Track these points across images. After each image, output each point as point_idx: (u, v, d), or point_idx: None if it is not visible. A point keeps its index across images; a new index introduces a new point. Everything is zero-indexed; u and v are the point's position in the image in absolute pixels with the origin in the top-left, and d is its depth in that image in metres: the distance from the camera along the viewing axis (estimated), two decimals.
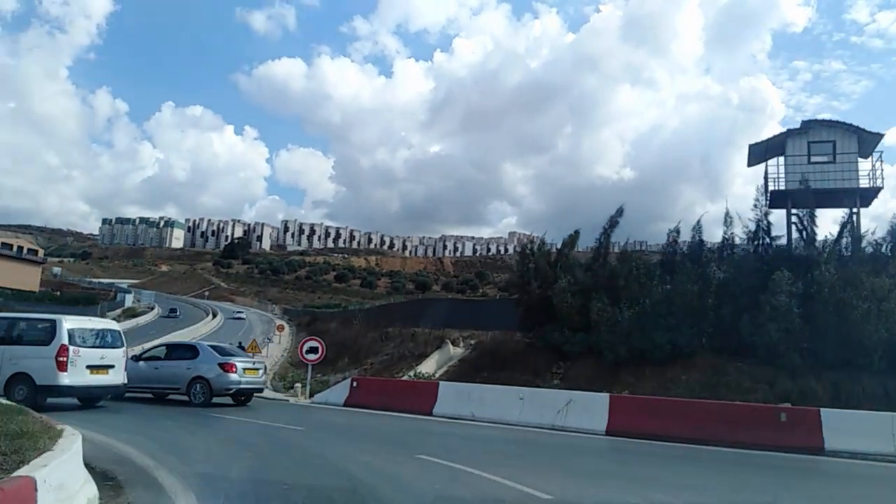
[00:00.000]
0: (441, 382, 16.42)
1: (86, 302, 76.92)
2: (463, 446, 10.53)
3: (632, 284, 20.14)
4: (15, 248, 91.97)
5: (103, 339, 12.99)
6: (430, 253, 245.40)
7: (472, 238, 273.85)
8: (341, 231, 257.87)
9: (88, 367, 12.31)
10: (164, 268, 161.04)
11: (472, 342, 25.34)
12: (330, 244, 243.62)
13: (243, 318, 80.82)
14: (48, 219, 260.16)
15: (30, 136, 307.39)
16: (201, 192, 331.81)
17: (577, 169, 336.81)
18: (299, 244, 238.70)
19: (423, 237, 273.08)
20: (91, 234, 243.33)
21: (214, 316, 75.89)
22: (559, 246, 23.71)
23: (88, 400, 13.23)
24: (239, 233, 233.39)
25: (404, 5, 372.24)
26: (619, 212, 22.07)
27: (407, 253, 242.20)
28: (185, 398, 15.38)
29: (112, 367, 12.81)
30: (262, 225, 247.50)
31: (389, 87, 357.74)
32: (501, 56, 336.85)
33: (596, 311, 19.53)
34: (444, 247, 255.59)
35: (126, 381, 13.48)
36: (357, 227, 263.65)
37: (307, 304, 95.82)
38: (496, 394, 15.17)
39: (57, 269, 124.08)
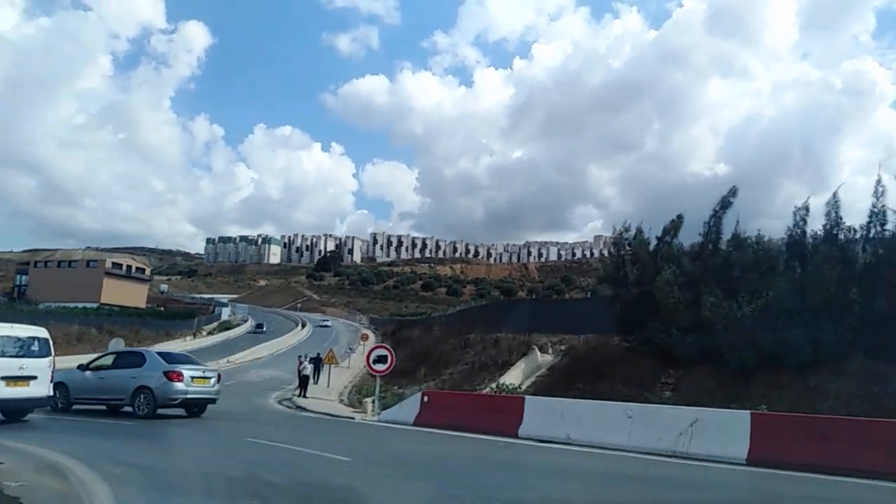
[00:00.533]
0: (527, 398, 13.37)
1: (185, 316, 79.09)
2: (568, 489, 7.55)
3: (750, 274, 16.45)
4: (124, 268, 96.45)
5: (26, 349, 11.51)
6: (514, 260, 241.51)
7: (557, 243, 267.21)
8: (427, 241, 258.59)
9: (4, 378, 10.96)
10: (262, 282, 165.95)
11: (563, 348, 22.11)
12: (417, 254, 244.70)
13: (329, 326, 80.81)
14: (160, 240, 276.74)
15: (139, 165, 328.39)
16: (294, 208, 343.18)
17: (667, 167, 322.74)
18: (388, 255, 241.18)
19: (508, 244, 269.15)
20: (197, 254, 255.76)
21: (303, 326, 76.07)
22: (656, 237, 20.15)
23: (9, 413, 11.79)
24: (331, 247, 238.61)
25: (483, 17, 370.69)
26: (733, 192, 18.23)
27: (492, 260, 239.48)
28: (131, 409, 14.03)
29: (34, 378, 11.35)
30: (353, 238, 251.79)
31: (470, 96, 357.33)
32: (582, 58, 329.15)
33: (709, 306, 15.90)
34: (529, 253, 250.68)
35: (52, 394, 12.00)
36: (442, 236, 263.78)
37: (394, 314, 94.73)
38: (597, 411, 12.05)
39: (164, 287, 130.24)
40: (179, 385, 13.74)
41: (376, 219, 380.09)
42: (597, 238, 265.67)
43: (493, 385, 19.02)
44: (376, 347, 18.21)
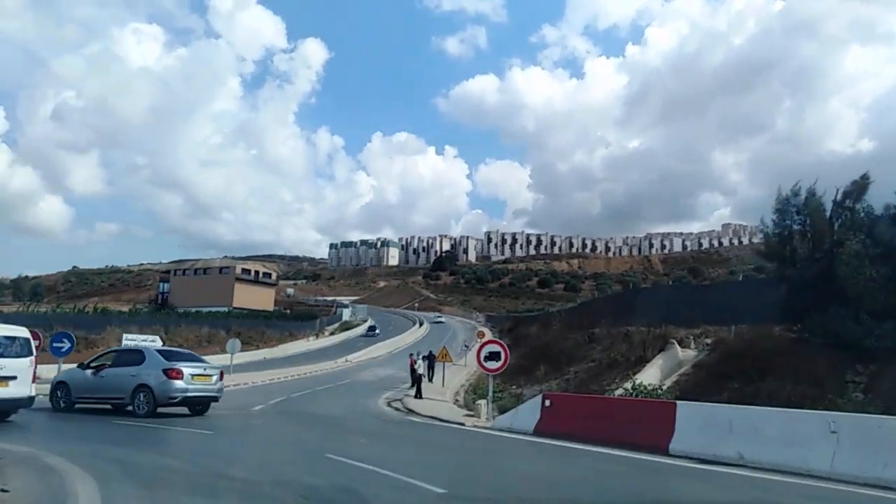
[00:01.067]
0: (680, 403, 10.26)
1: (309, 318, 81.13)
2: None
3: None
4: (253, 273, 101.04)
5: (5, 349, 11.01)
6: (634, 253, 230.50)
7: (681, 234, 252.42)
8: (542, 238, 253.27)
9: None
10: (381, 284, 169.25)
11: (708, 341, 18.58)
12: (532, 251, 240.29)
13: (443, 322, 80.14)
14: (288, 248, 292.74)
15: (269, 178, 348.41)
16: (412, 211, 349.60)
17: (801, 147, 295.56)
18: (502, 254, 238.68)
19: (627, 237, 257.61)
20: (322, 259, 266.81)
21: (421, 325, 75.41)
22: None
23: None
24: (446, 247, 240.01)
25: (592, 5, 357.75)
26: None
27: (610, 254, 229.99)
28: (131, 409, 13.51)
29: (13, 378, 10.93)
30: (467, 238, 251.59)
31: (582, 88, 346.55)
32: (700, 38, 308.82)
33: None
34: (651, 245, 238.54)
35: (34, 394, 11.35)
36: (558, 232, 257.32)
37: (510, 311, 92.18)
38: (782, 422, 8.80)
39: (290, 290, 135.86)
40: (179, 383, 13.18)
41: (490, 218, 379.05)
42: (725, 226, 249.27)
43: (627, 386, 15.99)
44: (487, 343, 15.81)
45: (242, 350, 53.83)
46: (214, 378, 14.36)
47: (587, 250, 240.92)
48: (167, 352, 15.23)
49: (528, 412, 12.51)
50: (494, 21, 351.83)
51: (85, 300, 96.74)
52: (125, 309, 66.33)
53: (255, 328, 60.50)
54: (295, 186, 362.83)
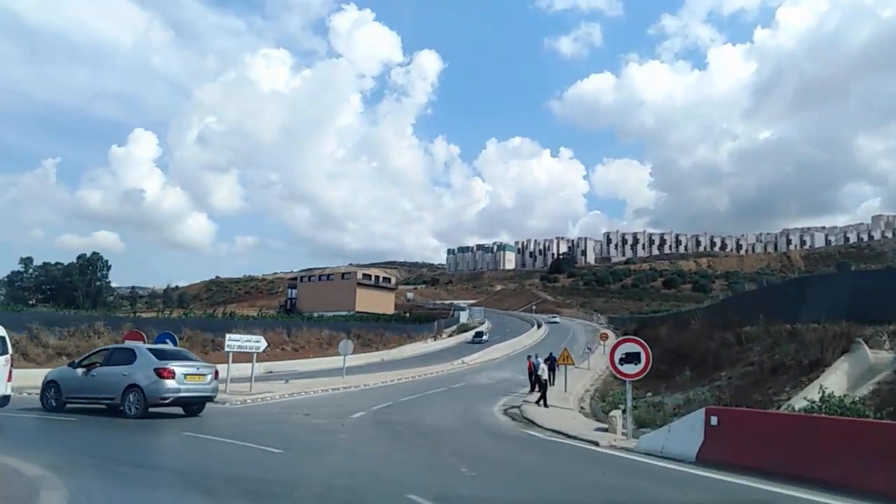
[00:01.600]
0: None
1: (427, 320, 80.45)
2: None
3: None
4: (373, 278, 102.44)
5: None
6: (770, 250, 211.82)
7: (823, 228, 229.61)
8: (666, 237, 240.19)
9: None
10: (498, 287, 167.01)
11: None
12: (655, 251, 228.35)
13: (557, 322, 77.36)
14: (408, 255, 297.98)
15: (390, 188, 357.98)
16: (528, 215, 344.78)
17: None
18: (623, 255, 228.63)
19: (761, 234, 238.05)
20: (440, 264, 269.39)
21: (539, 327, 72.03)
22: None
23: None
24: (563, 249, 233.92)
25: None
26: None
27: (742, 252, 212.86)
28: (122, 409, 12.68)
29: None
30: (585, 239, 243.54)
31: (705, 79, 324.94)
32: (840, 15, 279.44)
33: None
34: (789, 241, 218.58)
35: (9, 393, 10.74)
36: (682, 230, 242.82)
37: (634, 312, 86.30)
38: None
39: (410, 295, 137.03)
40: (171, 383, 12.49)
41: (609, 218, 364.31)
42: (875, 219, 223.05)
43: (809, 396, 12.22)
44: (624, 342, 12.68)
45: (361, 352, 53.56)
46: (209, 377, 13.57)
47: (716, 248, 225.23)
48: (159, 350, 14.05)
49: (686, 431, 9.35)
50: (610, 16, 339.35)
51: (224, 307, 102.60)
52: (255, 314, 68.67)
53: (375, 331, 60.15)
54: (414, 195, 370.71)
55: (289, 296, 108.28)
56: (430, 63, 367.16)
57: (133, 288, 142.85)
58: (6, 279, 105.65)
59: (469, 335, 67.14)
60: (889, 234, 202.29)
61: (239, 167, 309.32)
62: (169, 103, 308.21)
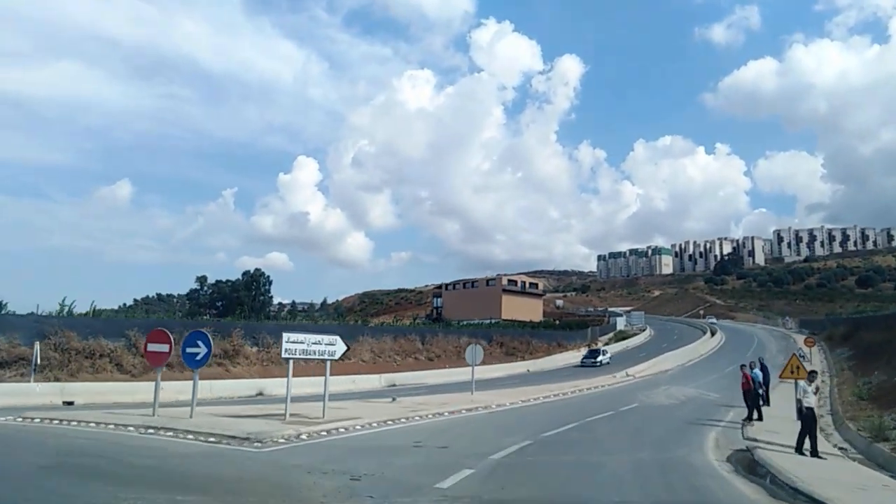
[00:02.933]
0: None
1: (578, 327, 71.55)
2: None
3: None
4: (519, 284, 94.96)
5: None
6: None
7: None
8: (849, 232, 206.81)
9: None
10: (656, 292, 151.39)
11: None
12: (836, 249, 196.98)
13: (715, 324, 68.02)
14: (557, 263, 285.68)
15: (536, 197, 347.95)
16: (684, 218, 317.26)
17: None
18: (798, 254, 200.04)
19: None
20: (590, 272, 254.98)
21: (713, 334, 59.98)
22: None
23: None
24: (727, 250, 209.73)
25: None
26: None
27: None
28: None
29: None
30: (752, 239, 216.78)
31: (888, 53, 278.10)
32: None
33: None
34: None
35: None
36: (868, 225, 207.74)
37: (830, 314, 70.39)
38: None
39: (559, 302, 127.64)
40: None
41: (778, 216, 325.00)
42: None
43: None
44: None
45: (506, 361, 46.42)
46: None
47: (891, 254, 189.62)
48: None
49: None
50: None
51: (375, 317, 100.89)
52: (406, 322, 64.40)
53: (520, 338, 52.64)
54: (561, 203, 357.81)
55: (434, 304, 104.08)
56: (571, 68, 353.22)
57: (293, 302, 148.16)
58: (186, 296, 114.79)
59: (637, 340, 57.27)
60: None
61: (391, 186, 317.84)
62: (326, 130, 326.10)
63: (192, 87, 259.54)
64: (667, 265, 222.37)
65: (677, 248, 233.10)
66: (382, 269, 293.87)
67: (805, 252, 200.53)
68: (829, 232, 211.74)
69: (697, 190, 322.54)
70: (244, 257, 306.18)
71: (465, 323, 67.97)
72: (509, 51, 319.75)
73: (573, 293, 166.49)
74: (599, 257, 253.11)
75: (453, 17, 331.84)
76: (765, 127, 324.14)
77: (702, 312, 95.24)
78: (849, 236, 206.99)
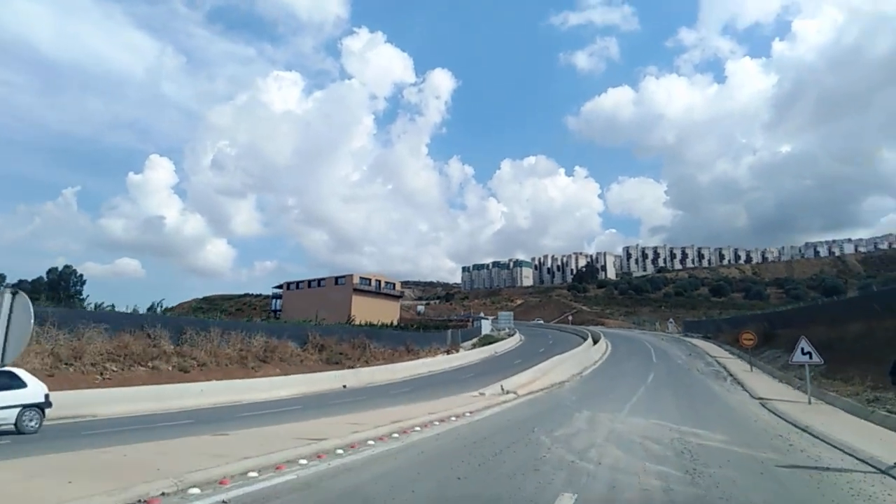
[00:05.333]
0: None
1: (438, 328, 57.02)
2: None
3: None
4: (373, 283, 78.86)
5: None
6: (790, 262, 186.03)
7: (850, 240, 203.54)
8: (688, 251, 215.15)
9: None
10: (519, 301, 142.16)
11: None
12: (677, 265, 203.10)
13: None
14: (425, 276, 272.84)
15: (406, 210, 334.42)
16: (543, 235, 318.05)
17: None
18: (644, 269, 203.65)
19: (783, 247, 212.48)
20: (455, 283, 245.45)
21: (596, 341, 47.57)
22: None
23: None
24: (582, 264, 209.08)
25: (729, 4, 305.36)
26: None
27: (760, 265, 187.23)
28: None
29: None
30: (605, 254, 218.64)
31: (724, 92, 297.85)
32: (859, 26, 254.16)
33: None
34: (816, 253, 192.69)
35: None
36: (702, 245, 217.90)
37: (713, 318, 61.74)
38: None
39: (421, 308, 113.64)
40: None
41: (625, 237, 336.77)
42: None
43: None
44: None
45: (324, 369, 29.97)
46: None
47: (741, 261, 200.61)
48: None
49: None
50: (626, 30, 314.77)
51: None
52: None
53: (353, 339, 36.44)
54: (430, 216, 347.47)
55: (272, 306, 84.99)
56: (442, 81, 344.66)
57: (113, 306, 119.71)
58: None
59: (500, 347, 43.12)
60: None
61: (256, 191, 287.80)
62: (182, 129, 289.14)
63: (28, 74, 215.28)
64: (527, 277, 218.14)
65: (537, 262, 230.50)
66: (246, 278, 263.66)
67: (651, 268, 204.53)
68: (671, 250, 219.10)
69: (557, 209, 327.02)
70: (88, 263, 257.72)
71: (284, 320, 51.31)
72: (381, 60, 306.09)
73: (436, 301, 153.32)
74: (464, 269, 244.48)
75: (325, 20, 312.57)
76: (619, 152, 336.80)
77: (570, 318, 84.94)
78: (687, 254, 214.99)
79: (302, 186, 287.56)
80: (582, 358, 30.83)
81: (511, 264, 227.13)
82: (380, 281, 79.25)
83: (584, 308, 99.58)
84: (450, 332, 51.83)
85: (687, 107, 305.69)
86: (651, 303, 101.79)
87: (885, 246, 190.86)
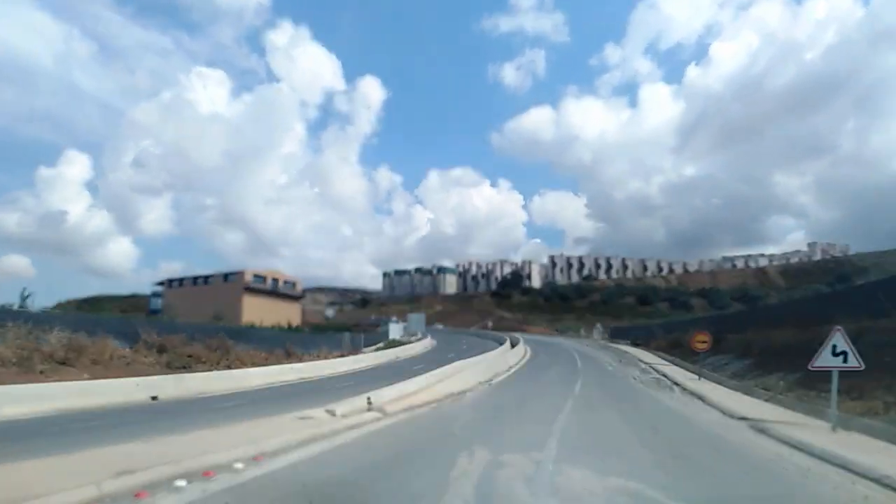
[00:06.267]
0: None
1: (336, 331, 50.36)
2: None
3: None
4: (269, 282, 70.80)
5: None
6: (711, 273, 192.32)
7: (763, 255, 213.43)
8: (612, 261, 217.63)
9: None
10: (439, 307, 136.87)
11: None
12: (602, 275, 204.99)
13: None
14: (346, 282, 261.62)
15: (331, 214, 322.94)
16: (469, 244, 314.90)
17: (875, 166, 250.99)
18: (569, 279, 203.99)
19: (702, 260, 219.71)
20: (375, 290, 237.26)
21: (514, 345, 42.51)
22: None
23: None
24: (508, 271, 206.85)
25: (656, 21, 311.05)
26: None
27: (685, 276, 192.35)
28: None
29: None
30: (529, 263, 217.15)
31: (635, 117, 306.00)
32: (770, 52, 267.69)
33: None
34: (734, 266, 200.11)
35: None
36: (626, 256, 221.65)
37: (640, 326, 58.49)
38: None
39: (330, 312, 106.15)
40: None
41: (550, 247, 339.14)
42: (811, 246, 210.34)
43: None
44: None
45: (161, 372, 22.22)
46: None
47: (663, 273, 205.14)
48: None
49: None
50: (555, 41, 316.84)
51: None
52: None
53: (209, 340, 29.39)
54: (355, 222, 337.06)
55: (151, 306, 74.96)
56: (372, 90, 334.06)
57: None
58: None
59: (402, 352, 37.12)
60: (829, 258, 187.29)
61: (174, 190, 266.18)
62: (103, 124, 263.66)
63: None
64: (451, 285, 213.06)
65: (461, 269, 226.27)
66: (148, 279, 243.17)
67: (576, 277, 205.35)
68: (596, 260, 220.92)
69: (482, 219, 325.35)
70: None
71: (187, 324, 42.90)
72: (310, 63, 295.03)
73: (351, 307, 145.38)
74: (385, 274, 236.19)
75: (245, 6, 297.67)
76: (540, 168, 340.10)
77: (489, 324, 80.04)
78: (612, 265, 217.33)
79: (224, 188, 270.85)
80: (494, 363, 25.24)
81: (434, 271, 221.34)
82: (277, 280, 71.31)
83: (506, 315, 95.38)
84: (348, 334, 45.35)
85: (601, 130, 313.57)
86: (576, 311, 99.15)
87: (796, 260, 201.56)
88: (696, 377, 21.54)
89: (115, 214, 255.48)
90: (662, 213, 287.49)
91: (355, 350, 40.21)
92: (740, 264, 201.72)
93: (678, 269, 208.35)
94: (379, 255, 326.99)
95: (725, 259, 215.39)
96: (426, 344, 47.90)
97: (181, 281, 73.43)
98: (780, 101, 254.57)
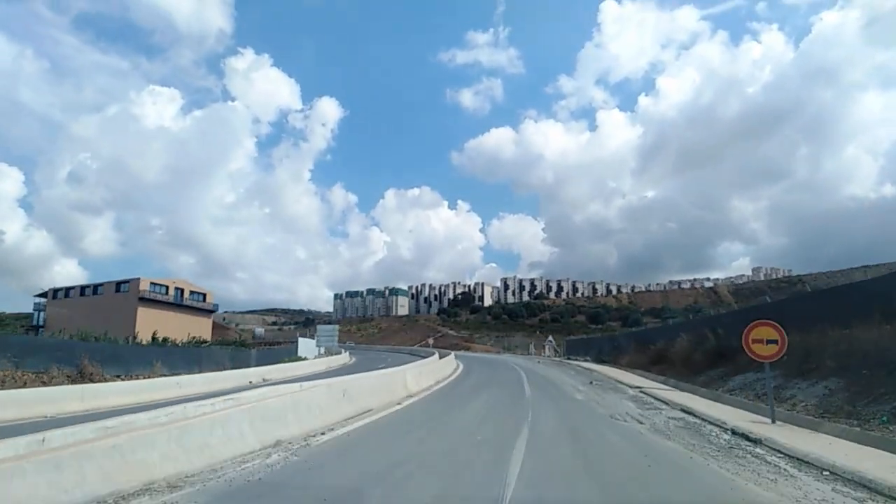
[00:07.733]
0: None
1: (236, 346, 38.16)
2: None
3: None
4: (171, 292, 57.67)
5: None
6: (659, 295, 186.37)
7: (708, 279, 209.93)
8: (563, 284, 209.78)
9: None
10: (384, 325, 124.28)
11: None
12: (553, 297, 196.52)
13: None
14: (302, 305, 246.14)
15: (284, 235, 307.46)
16: (426, 267, 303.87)
17: (820, 194, 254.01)
18: (520, 300, 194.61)
19: (650, 284, 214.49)
20: (328, 312, 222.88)
21: (442, 357, 31.23)
22: None
23: None
24: (460, 292, 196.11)
25: (604, 59, 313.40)
26: None
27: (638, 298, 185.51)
28: None
29: None
30: (482, 285, 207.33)
31: (595, 140, 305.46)
32: (714, 87, 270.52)
33: None
34: (682, 289, 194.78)
35: None
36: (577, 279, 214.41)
37: (592, 337, 48.04)
38: None
39: (259, 330, 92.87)
40: None
41: (505, 271, 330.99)
42: (756, 270, 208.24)
43: None
44: None
45: None
46: None
47: (611, 296, 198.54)
48: None
49: None
50: (511, 73, 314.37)
51: None
52: None
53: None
54: (309, 243, 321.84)
55: (34, 321, 60.56)
56: (329, 110, 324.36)
57: None
58: None
59: (299, 370, 25.42)
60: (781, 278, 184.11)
61: (116, 209, 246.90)
62: (38, 138, 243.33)
63: None
64: (403, 306, 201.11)
65: (414, 291, 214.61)
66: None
67: (527, 299, 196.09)
68: (547, 282, 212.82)
69: (440, 242, 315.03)
70: None
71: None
72: (267, 85, 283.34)
73: (293, 326, 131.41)
74: (336, 296, 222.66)
75: (207, 33, 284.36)
76: (500, 188, 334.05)
77: (431, 342, 68.41)
78: (563, 287, 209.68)
79: (170, 206, 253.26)
80: (376, 386, 13.76)
81: (386, 292, 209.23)
82: (182, 290, 58.23)
83: (450, 332, 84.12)
84: (230, 348, 33.11)
85: (562, 150, 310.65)
86: (525, 328, 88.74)
87: (743, 281, 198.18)
88: (763, 417, 10.54)
89: (55, 235, 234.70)
90: (617, 238, 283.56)
91: (218, 369, 28.06)
92: (687, 287, 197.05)
93: (626, 291, 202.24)
94: (335, 279, 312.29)
95: (672, 283, 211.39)
96: (342, 360, 36.16)
97: (67, 292, 59.51)
98: (731, 128, 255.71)
